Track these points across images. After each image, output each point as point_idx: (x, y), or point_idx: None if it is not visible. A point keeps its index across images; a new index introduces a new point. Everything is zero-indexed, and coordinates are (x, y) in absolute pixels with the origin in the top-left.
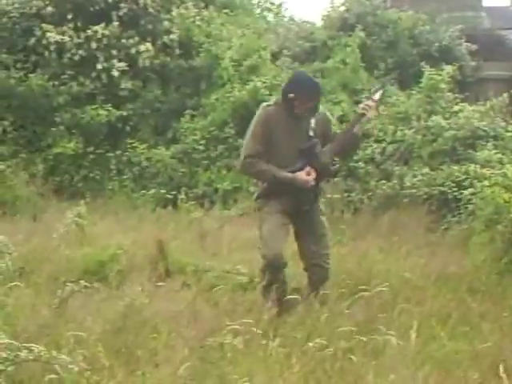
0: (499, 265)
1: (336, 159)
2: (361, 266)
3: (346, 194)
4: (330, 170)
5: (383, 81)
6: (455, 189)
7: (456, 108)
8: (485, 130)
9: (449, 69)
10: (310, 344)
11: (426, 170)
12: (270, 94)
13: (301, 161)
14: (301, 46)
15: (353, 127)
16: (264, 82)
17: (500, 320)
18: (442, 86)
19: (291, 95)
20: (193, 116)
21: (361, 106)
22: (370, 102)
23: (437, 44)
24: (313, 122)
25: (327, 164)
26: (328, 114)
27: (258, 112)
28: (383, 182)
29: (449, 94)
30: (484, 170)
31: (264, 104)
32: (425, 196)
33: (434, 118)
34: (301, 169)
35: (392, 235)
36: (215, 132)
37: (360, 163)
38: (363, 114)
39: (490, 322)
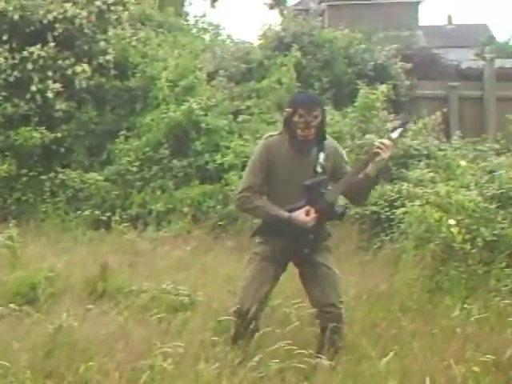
0: (430, 283)
1: (347, 202)
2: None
3: None
4: (336, 211)
5: (405, 118)
6: (387, 208)
7: (390, 125)
8: (417, 149)
9: (383, 88)
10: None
11: None
12: (205, 115)
13: (304, 199)
14: (237, 66)
15: (365, 167)
16: (199, 103)
17: (430, 338)
18: (377, 104)
19: (288, 110)
20: (127, 137)
21: (376, 143)
22: (386, 141)
23: (372, 63)
24: (322, 156)
25: (332, 204)
26: (340, 149)
27: (259, 143)
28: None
29: (383, 112)
30: (416, 189)
31: (266, 134)
32: (357, 215)
33: (367, 136)
34: (301, 208)
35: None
36: (150, 153)
37: None
38: (377, 154)
39: (421, 340)
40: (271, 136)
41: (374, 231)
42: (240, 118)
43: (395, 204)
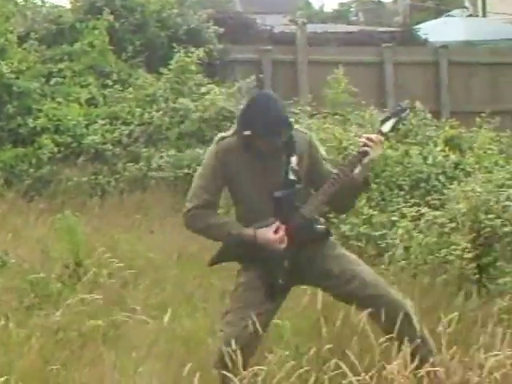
0: None
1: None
2: (107, 246)
3: (93, 177)
4: (315, 229)
5: (399, 108)
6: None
7: (203, 90)
8: (231, 111)
9: (200, 51)
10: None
11: (172, 151)
12: (17, 78)
13: (276, 214)
14: (48, 28)
15: (352, 169)
16: (10, 66)
17: None
18: (192, 68)
19: (247, 133)
20: None
21: (362, 139)
22: (374, 136)
23: (185, 27)
24: (293, 160)
25: (310, 221)
26: (314, 141)
27: (210, 148)
28: (130, 164)
29: (197, 76)
30: None
31: (218, 136)
32: (171, 177)
33: (181, 100)
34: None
35: (138, 217)
36: None
37: (108, 145)
38: (365, 153)
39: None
40: (223, 138)
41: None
42: (52, 81)
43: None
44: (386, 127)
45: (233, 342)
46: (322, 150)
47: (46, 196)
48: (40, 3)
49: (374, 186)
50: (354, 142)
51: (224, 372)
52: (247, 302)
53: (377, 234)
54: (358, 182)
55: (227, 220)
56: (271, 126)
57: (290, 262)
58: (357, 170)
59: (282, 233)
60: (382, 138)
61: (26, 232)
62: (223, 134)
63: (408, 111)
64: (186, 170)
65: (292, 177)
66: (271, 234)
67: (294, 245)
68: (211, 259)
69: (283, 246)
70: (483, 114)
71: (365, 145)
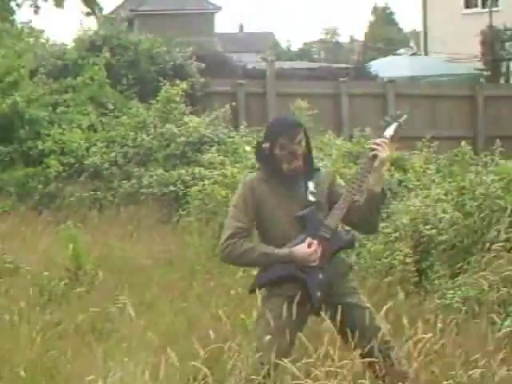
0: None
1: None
2: (102, 252)
3: (92, 192)
4: (342, 237)
5: (398, 113)
6: (183, 187)
7: (186, 118)
8: (209, 137)
9: (184, 84)
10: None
11: (160, 171)
12: (28, 107)
13: (303, 232)
14: (54, 64)
15: (366, 175)
16: (23, 97)
17: (217, 294)
18: (177, 98)
19: (266, 145)
20: None
21: (370, 145)
22: (379, 140)
23: (171, 63)
24: (311, 185)
25: (335, 230)
26: (335, 174)
27: (238, 188)
28: (124, 181)
29: (181, 105)
30: (207, 172)
31: (244, 174)
32: (159, 193)
33: (168, 126)
34: (302, 242)
35: (131, 227)
36: None
37: (105, 165)
38: (375, 156)
39: (209, 297)
40: (251, 178)
41: (174, 207)
42: (59, 110)
43: (190, 183)
44: (389, 131)
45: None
46: (340, 180)
47: (52, 209)
48: (48, 43)
49: None
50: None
51: None
52: (278, 330)
53: None
54: (376, 192)
55: (259, 243)
56: (285, 125)
57: (324, 275)
58: (371, 179)
59: (315, 245)
60: (387, 141)
61: (35, 240)
62: (248, 172)
63: (405, 116)
64: (171, 188)
65: (311, 198)
66: (306, 248)
67: (326, 256)
68: (251, 285)
69: (318, 257)
70: (424, 139)
71: (373, 149)
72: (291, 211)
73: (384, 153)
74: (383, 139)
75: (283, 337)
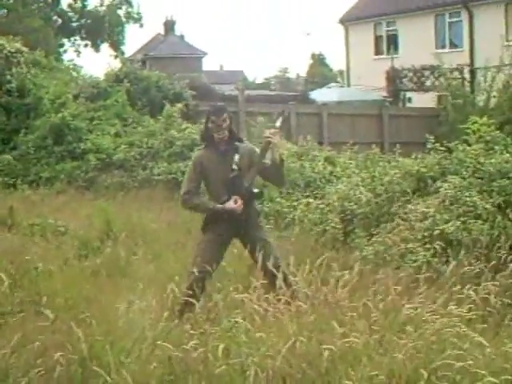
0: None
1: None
2: (125, 220)
3: (119, 179)
4: (253, 192)
5: (282, 110)
6: (181, 175)
7: (183, 127)
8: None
9: (180, 105)
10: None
11: (165, 164)
12: (73, 120)
13: (228, 192)
14: (91, 90)
15: (265, 152)
16: (69, 113)
17: None
18: (175, 114)
19: (204, 120)
20: (26, 133)
21: (265, 134)
22: (272, 130)
23: (172, 91)
24: (236, 157)
25: (249, 188)
26: (256, 149)
27: (192, 157)
28: (141, 171)
29: (179, 119)
30: None
31: (195, 153)
32: (165, 180)
33: (170, 132)
34: (228, 199)
35: (145, 203)
36: (40, 143)
37: (127, 160)
38: (269, 141)
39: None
40: (199, 149)
41: (175, 190)
42: (94, 122)
43: (184, 171)
44: (278, 124)
45: (204, 266)
46: (257, 152)
47: (90, 190)
48: (86, 75)
49: None
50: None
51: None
52: (211, 243)
53: (285, 210)
54: (276, 161)
55: (204, 200)
56: (215, 108)
57: (245, 216)
58: (269, 155)
59: (239, 202)
60: (277, 130)
61: (79, 212)
62: (198, 148)
63: (285, 113)
64: (173, 175)
65: (234, 167)
66: (233, 204)
67: (245, 205)
68: (202, 226)
69: (241, 208)
70: (347, 144)
71: (268, 136)
72: (223, 175)
73: (275, 139)
74: (274, 130)
75: (211, 255)
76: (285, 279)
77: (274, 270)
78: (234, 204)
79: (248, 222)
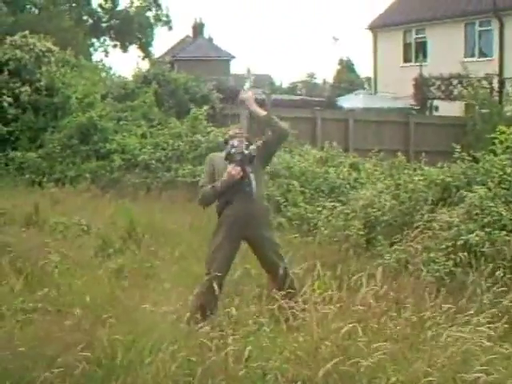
0: None
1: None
2: (148, 221)
3: (143, 180)
4: (247, 156)
5: (248, 70)
6: None
7: (209, 130)
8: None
9: (206, 108)
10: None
11: (190, 166)
12: (100, 120)
13: (234, 192)
14: (118, 91)
15: (248, 111)
16: (96, 113)
17: None
18: (201, 117)
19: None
20: (52, 132)
21: (239, 97)
22: (243, 92)
23: (200, 93)
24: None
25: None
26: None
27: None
28: (165, 173)
29: (205, 122)
30: None
31: (209, 156)
32: (189, 182)
33: (196, 135)
34: (232, 199)
35: (168, 204)
36: (66, 142)
37: (152, 161)
38: (242, 100)
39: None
40: (213, 154)
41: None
42: (121, 122)
43: None
44: (247, 85)
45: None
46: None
47: (114, 190)
48: (115, 75)
49: (306, 190)
50: (295, 164)
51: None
52: (220, 256)
53: (310, 215)
54: (260, 116)
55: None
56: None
57: (250, 187)
58: (254, 112)
59: (237, 168)
60: (247, 89)
61: (102, 211)
62: (212, 153)
63: (253, 76)
64: (197, 178)
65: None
66: (232, 171)
67: (244, 172)
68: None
69: (240, 174)
70: (373, 151)
71: (241, 97)
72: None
73: (246, 95)
74: (243, 91)
75: (225, 250)
76: (291, 282)
77: (285, 276)
78: (233, 172)
79: (257, 220)
